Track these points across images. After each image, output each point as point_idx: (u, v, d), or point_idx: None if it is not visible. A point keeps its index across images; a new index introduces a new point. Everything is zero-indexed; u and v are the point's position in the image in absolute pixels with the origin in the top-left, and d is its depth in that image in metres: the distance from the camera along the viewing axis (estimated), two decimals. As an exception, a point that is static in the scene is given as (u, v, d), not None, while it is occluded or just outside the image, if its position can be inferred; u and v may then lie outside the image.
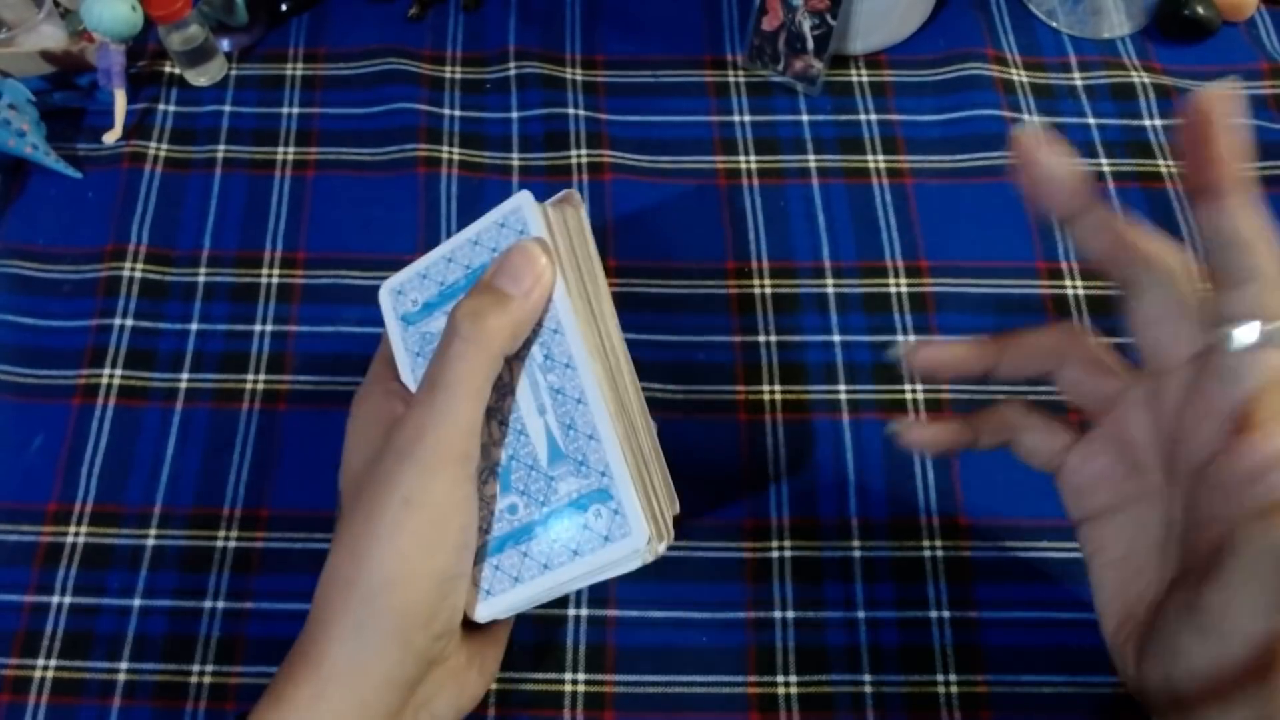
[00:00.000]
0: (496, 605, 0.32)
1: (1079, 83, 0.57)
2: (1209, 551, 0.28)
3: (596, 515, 0.31)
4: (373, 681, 0.29)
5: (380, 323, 0.49)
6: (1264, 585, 0.26)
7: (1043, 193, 0.29)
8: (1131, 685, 0.31)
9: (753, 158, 0.55)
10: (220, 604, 0.43)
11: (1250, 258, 0.27)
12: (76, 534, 0.44)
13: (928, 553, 0.44)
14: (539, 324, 0.32)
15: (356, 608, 0.29)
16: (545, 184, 0.53)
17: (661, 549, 0.31)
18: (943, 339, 0.33)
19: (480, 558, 0.32)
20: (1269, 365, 0.27)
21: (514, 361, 0.33)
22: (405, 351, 0.35)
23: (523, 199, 0.33)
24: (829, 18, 0.54)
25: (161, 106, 0.56)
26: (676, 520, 0.34)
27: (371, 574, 0.29)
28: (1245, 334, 0.27)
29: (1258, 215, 0.27)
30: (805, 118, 0.56)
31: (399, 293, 0.36)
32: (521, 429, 0.32)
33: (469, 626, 0.33)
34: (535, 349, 0.32)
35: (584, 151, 0.54)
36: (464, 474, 0.30)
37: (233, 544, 0.44)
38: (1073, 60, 0.58)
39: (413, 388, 0.35)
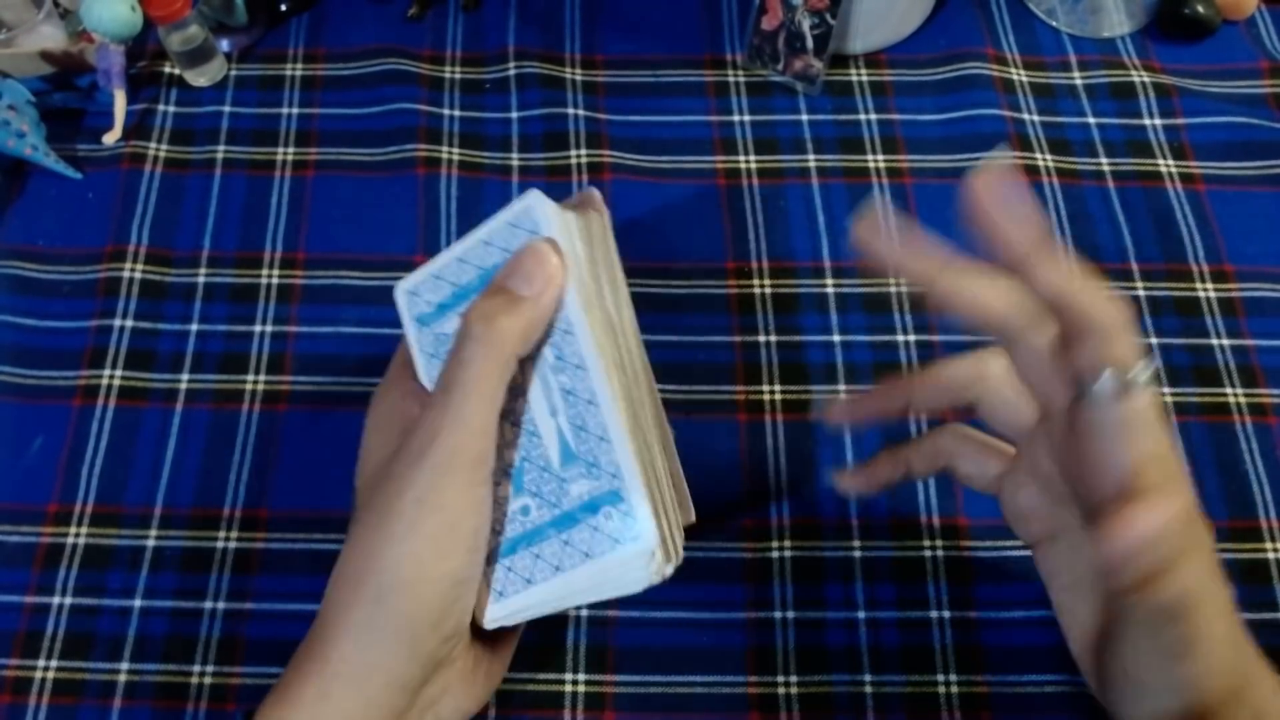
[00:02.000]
0: (508, 607, 0.32)
1: (1079, 82, 0.57)
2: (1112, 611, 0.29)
3: (607, 517, 0.30)
4: (379, 681, 0.29)
5: (380, 323, 0.49)
6: (1159, 646, 0.28)
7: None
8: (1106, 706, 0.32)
9: (752, 157, 0.54)
10: (220, 604, 0.43)
11: (1080, 314, 0.28)
12: (77, 535, 0.44)
13: (928, 553, 0.44)
14: (550, 325, 0.32)
15: (366, 607, 0.29)
16: (545, 184, 0.53)
17: (669, 570, 0.31)
18: (853, 396, 0.34)
19: (492, 559, 0.32)
20: (1121, 418, 0.28)
21: (526, 363, 0.32)
22: (420, 352, 0.35)
23: (533, 198, 0.32)
24: (828, 17, 0.54)
25: (161, 107, 0.56)
26: (691, 529, 0.33)
27: (383, 574, 0.29)
28: (1099, 386, 0.28)
29: (1071, 272, 0.28)
30: (805, 117, 0.56)
31: (413, 294, 0.35)
32: (534, 430, 0.32)
33: (477, 631, 0.33)
34: (547, 350, 0.32)
35: (583, 151, 0.54)
36: (478, 477, 0.30)
37: (233, 545, 0.44)
38: (1073, 59, 0.58)
39: (429, 388, 0.34)
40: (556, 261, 0.31)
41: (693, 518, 0.34)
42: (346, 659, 0.29)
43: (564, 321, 0.32)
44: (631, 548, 0.30)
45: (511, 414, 0.33)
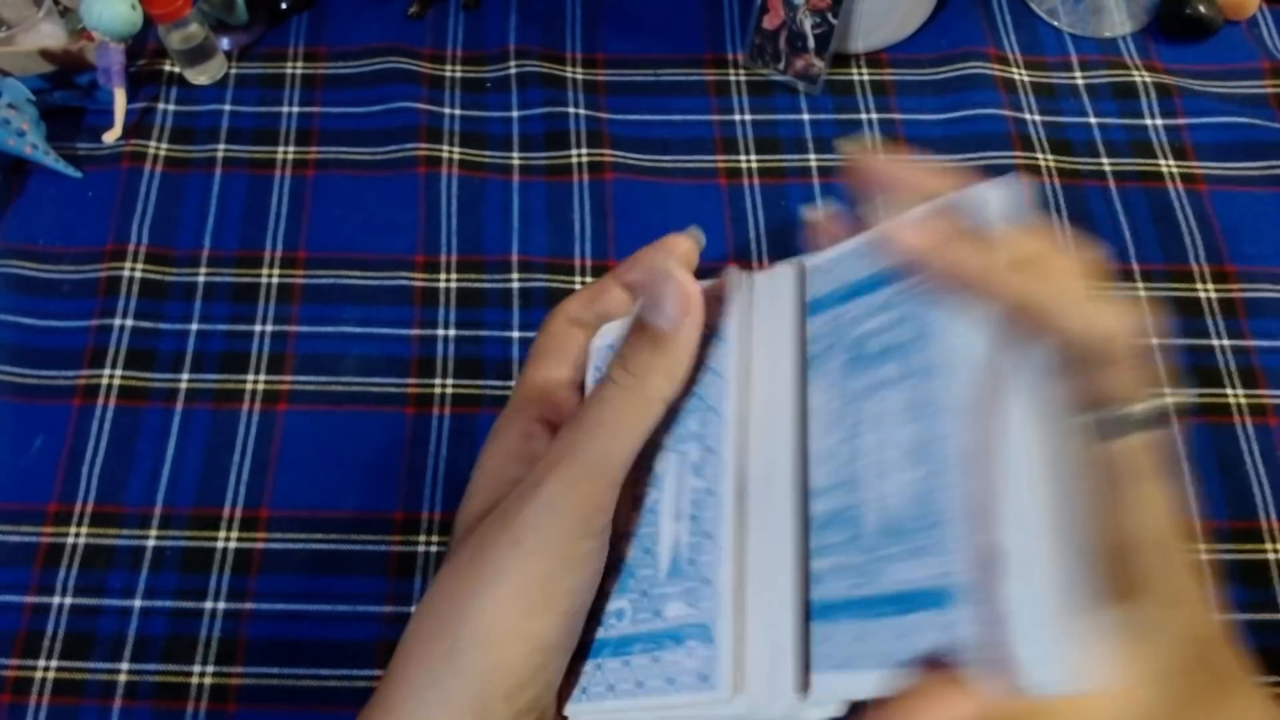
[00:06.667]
0: (587, 709, 0.29)
1: (1080, 82, 0.57)
2: None
3: (692, 653, 0.27)
4: None
5: (380, 323, 0.49)
6: None
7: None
8: None
9: (753, 157, 0.54)
10: (221, 604, 0.43)
11: (1065, 334, 0.23)
12: (77, 534, 0.44)
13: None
14: (706, 430, 0.28)
15: (437, 662, 0.26)
16: (546, 183, 0.53)
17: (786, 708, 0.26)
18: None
19: (583, 653, 0.29)
20: (1125, 464, 0.24)
21: (670, 454, 0.29)
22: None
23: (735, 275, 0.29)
24: (830, 16, 0.54)
25: (161, 105, 0.56)
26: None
27: (463, 625, 0.26)
28: (1093, 422, 0.24)
29: (1045, 286, 0.23)
30: (806, 117, 0.56)
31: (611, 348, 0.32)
32: (654, 529, 0.29)
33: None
34: (692, 448, 0.29)
35: (584, 150, 0.54)
36: (590, 528, 0.26)
37: (233, 544, 0.44)
38: (1074, 59, 0.58)
39: None
40: (692, 287, 0.28)
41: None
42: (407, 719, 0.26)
43: (714, 435, 0.28)
44: (711, 694, 0.26)
45: (639, 501, 0.29)
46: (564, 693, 0.29)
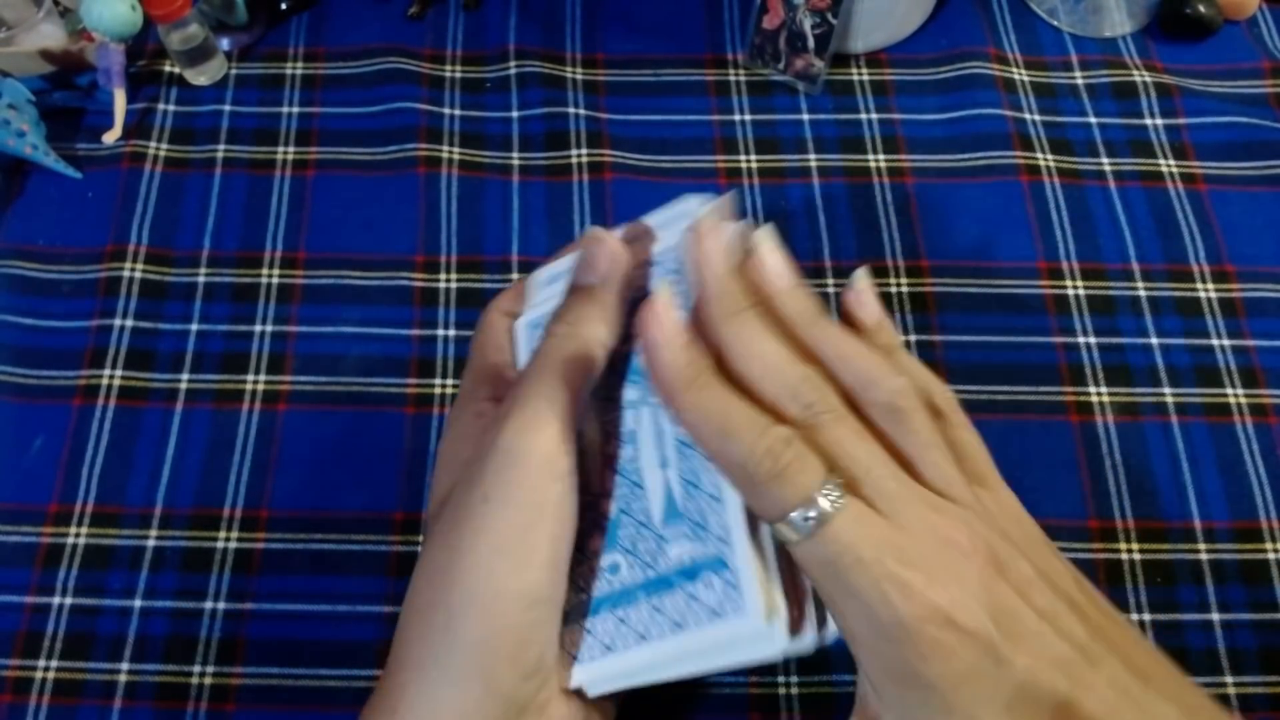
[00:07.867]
0: (586, 674, 0.29)
1: (1080, 82, 0.57)
2: None
3: (708, 586, 0.26)
4: None
5: (380, 323, 0.49)
6: None
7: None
8: None
9: (753, 157, 0.54)
10: (221, 605, 0.43)
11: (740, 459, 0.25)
12: (77, 535, 0.44)
13: (928, 553, 0.44)
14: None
15: (435, 637, 0.26)
16: (545, 183, 0.53)
17: (802, 643, 0.26)
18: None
19: (575, 618, 0.29)
20: (814, 560, 0.24)
21: (642, 408, 0.30)
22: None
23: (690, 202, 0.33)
24: (830, 16, 0.54)
25: (161, 106, 0.56)
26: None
27: (451, 593, 0.26)
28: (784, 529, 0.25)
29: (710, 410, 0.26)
30: (806, 117, 0.56)
31: (535, 326, 0.34)
32: (638, 480, 0.29)
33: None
34: None
35: (584, 151, 0.54)
36: (552, 470, 0.26)
37: (233, 545, 0.44)
38: (1074, 59, 0.58)
39: None
40: (612, 240, 0.32)
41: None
42: (416, 702, 0.26)
43: None
44: (734, 624, 0.26)
45: (613, 460, 0.30)
46: (563, 659, 0.29)
